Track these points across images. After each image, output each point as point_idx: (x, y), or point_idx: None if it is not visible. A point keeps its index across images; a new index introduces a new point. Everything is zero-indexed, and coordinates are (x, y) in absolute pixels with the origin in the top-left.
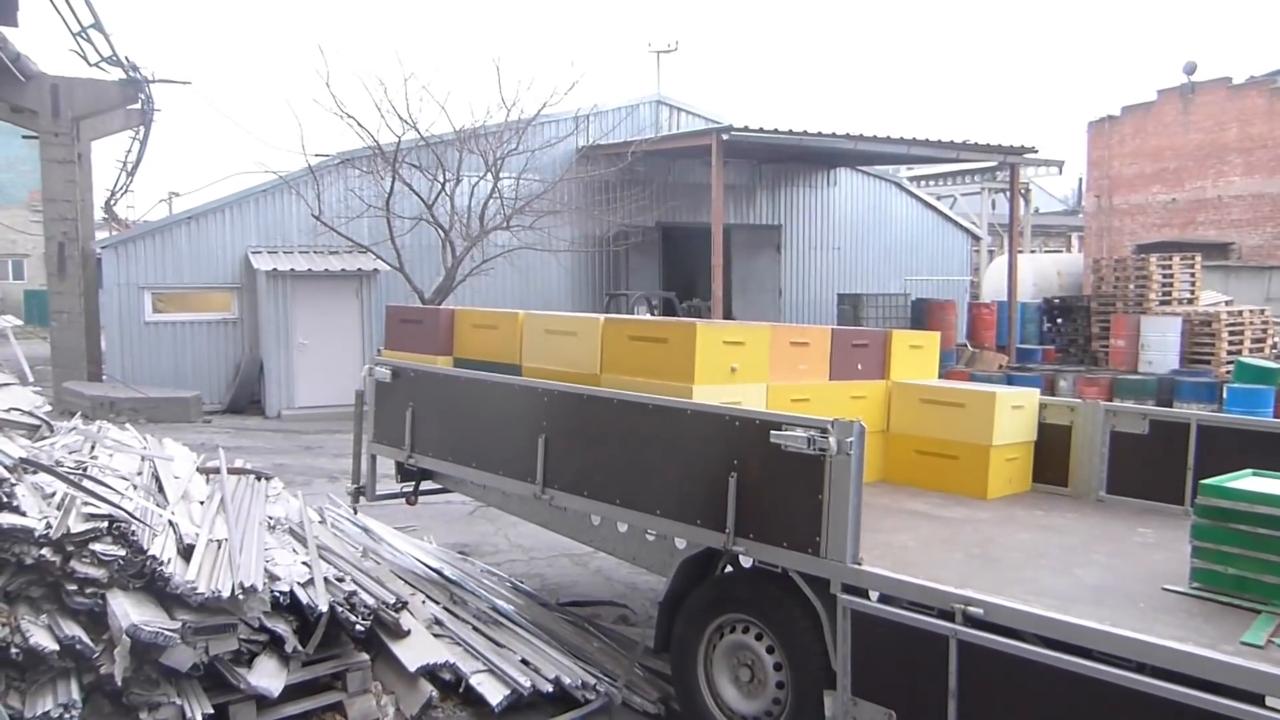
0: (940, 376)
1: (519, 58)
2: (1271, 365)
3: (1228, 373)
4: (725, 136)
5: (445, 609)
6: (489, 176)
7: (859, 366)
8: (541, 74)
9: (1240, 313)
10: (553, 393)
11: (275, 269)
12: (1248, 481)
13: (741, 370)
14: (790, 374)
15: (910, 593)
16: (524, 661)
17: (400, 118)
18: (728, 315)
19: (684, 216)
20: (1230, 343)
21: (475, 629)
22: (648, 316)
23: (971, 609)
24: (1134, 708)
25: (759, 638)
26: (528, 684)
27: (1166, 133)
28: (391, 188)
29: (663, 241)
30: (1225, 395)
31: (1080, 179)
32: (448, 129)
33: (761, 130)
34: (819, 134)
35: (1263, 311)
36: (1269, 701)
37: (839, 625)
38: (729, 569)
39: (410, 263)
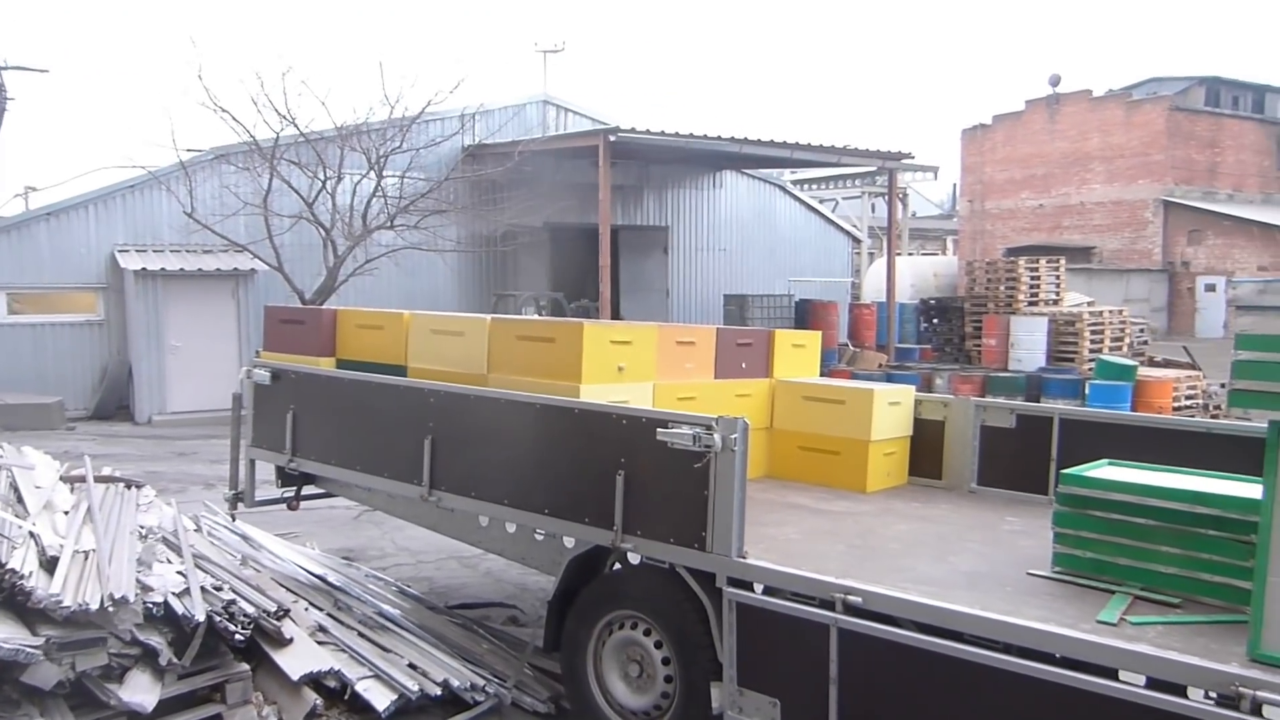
0: (823, 375)
1: (403, 55)
2: (1129, 362)
3: (1090, 369)
4: (612, 138)
5: (330, 615)
6: (372, 174)
7: (744, 365)
8: (426, 72)
9: (1101, 313)
10: (439, 393)
11: (145, 268)
12: (1104, 470)
13: (629, 369)
14: (677, 373)
15: (793, 584)
16: (411, 666)
17: (278, 112)
18: (616, 315)
19: (572, 217)
20: (1092, 341)
21: (361, 635)
22: (536, 317)
23: (851, 598)
24: (1003, 686)
25: (648, 633)
26: (415, 688)
27: (1035, 141)
28: (269, 185)
29: (551, 242)
30: (1088, 391)
31: (955, 184)
32: (329, 125)
33: (648, 132)
34: (704, 137)
35: (1121, 311)
36: (1122, 675)
37: (725, 618)
38: (617, 566)
39: (290, 262)
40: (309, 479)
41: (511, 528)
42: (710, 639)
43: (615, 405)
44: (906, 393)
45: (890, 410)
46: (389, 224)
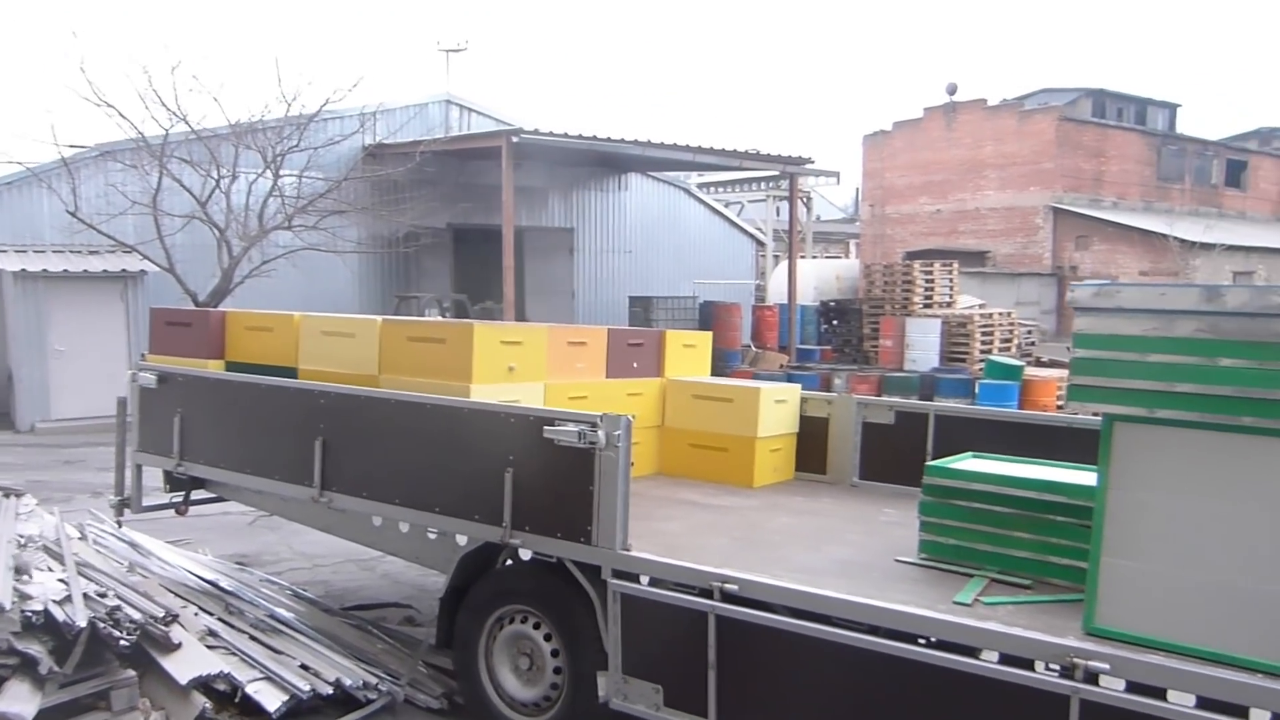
0: (725, 376)
1: (300, 52)
2: (1016, 362)
3: (980, 369)
4: (516, 139)
5: (220, 620)
6: (268, 173)
7: (635, 365)
8: (324, 69)
9: (991, 315)
10: (330, 394)
11: (24, 269)
12: (966, 462)
13: (519, 369)
14: (568, 373)
15: (674, 574)
16: (304, 667)
17: (167, 108)
18: (521, 317)
19: (476, 218)
20: (982, 342)
21: (253, 638)
22: (438, 319)
23: (728, 586)
24: (869, 665)
25: (537, 626)
26: (307, 688)
27: (933, 148)
28: (159, 183)
29: (455, 243)
30: (978, 390)
31: (857, 189)
32: (222, 122)
33: (552, 134)
34: (609, 139)
35: (1010, 314)
36: (983, 655)
37: (610, 609)
38: (508, 562)
39: (183, 264)
40: (198, 483)
41: (405, 527)
42: (597, 630)
43: (503, 404)
44: (793, 391)
45: (777, 408)
46: (287, 224)
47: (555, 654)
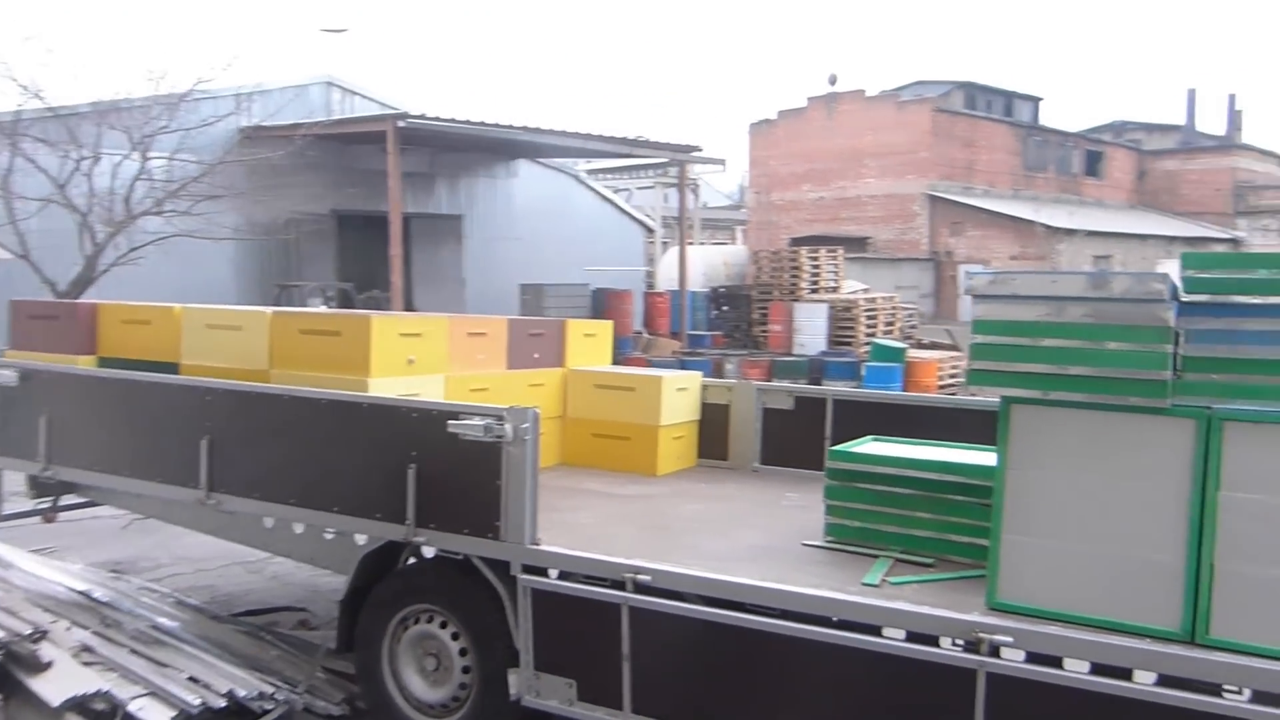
0: (619, 363)
1: (169, 29)
2: (899, 345)
3: (866, 352)
4: (401, 123)
5: (96, 634)
6: (135, 155)
7: (536, 355)
8: (196, 47)
9: (875, 299)
10: (217, 391)
11: None
12: (868, 446)
13: (419, 362)
14: (469, 364)
15: (585, 567)
16: (192, 679)
17: (19, 84)
18: (409, 306)
19: (361, 204)
20: (867, 326)
21: (134, 651)
22: (322, 309)
23: (640, 577)
24: (784, 650)
25: (443, 625)
26: (197, 702)
27: (816, 136)
28: (10, 164)
29: (338, 230)
30: (864, 372)
31: (743, 176)
32: (83, 100)
33: (439, 118)
34: (497, 125)
35: (893, 298)
36: (886, 632)
37: (520, 604)
38: (411, 561)
39: (39, 250)
40: (68, 488)
41: (299, 528)
42: (506, 627)
43: (405, 399)
44: (694, 379)
45: (678, 396)
46: (156, 209)
47: (463, 653)
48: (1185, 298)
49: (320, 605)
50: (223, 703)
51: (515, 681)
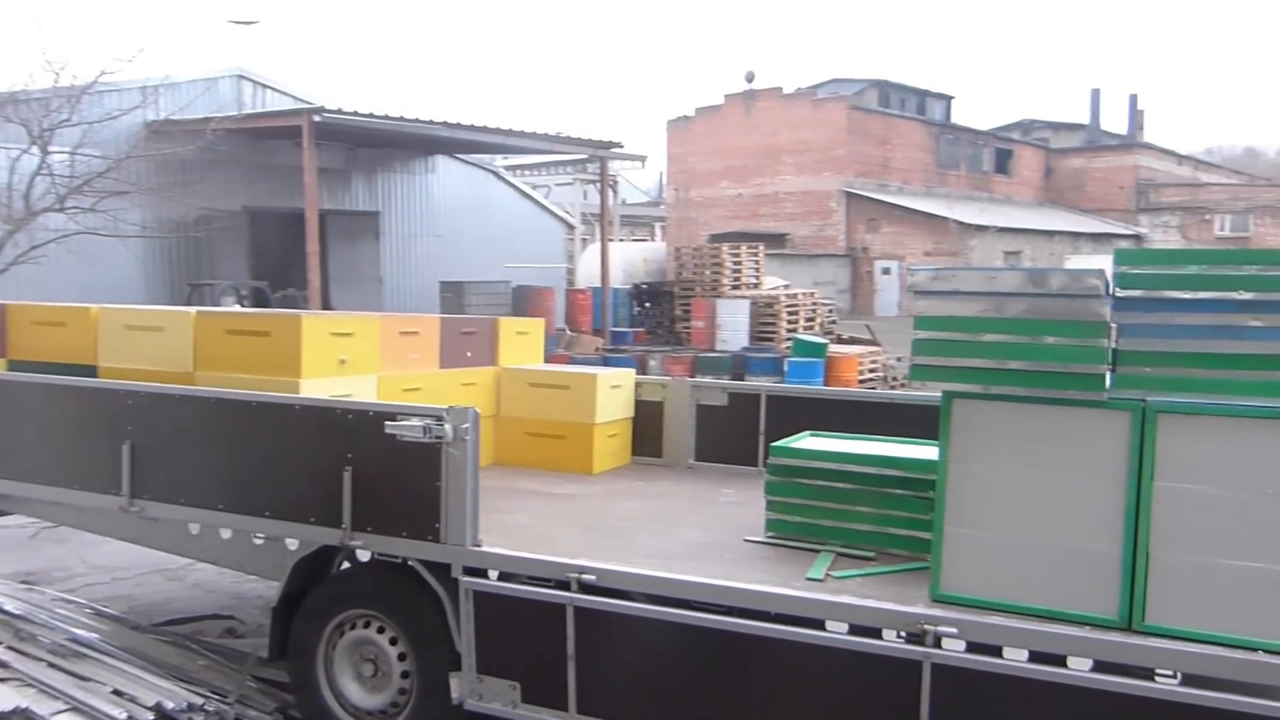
0: (543, 361)
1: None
2: (821, 340)
3: (787, 348)
4: (317, 118)
5: (10, 648)
6: (35, 150)
7: (469, 354)
8: (99, 37)
9: (796, 295)
10: (139, 394)
11: None
12: (807, 441)
13: (351, 362)
14: (401, 364)
15: (529, 568)
16: (116, 693)
17: None
18: (326, 305)
19: (274, 200)
20: (788, 321)
21: (52, 665)
22: (237, 308)
23: (585, 576)
24: (729, 647)
25: (381, 630)
26: (122, 715)
27: (733, 134)
28: None
29: (251, 227)
30: (786, 368)
31: (661, 173)
32: None
33: (356, 113)
34: (416, 120)
35: (813, 294)
36: (829, 625)
37: (462, 607)
38: (346, 565)
39: None
40: None
41: (227, 534)
42: (447, 630)
43: (339, 400)
44: (627, 376)
45: (613, 393)
46: (58, 206)
47: (402, 658)
48: (1120, 293)
49: (247, 612)
50: (150, 716)
51: (457, 685)
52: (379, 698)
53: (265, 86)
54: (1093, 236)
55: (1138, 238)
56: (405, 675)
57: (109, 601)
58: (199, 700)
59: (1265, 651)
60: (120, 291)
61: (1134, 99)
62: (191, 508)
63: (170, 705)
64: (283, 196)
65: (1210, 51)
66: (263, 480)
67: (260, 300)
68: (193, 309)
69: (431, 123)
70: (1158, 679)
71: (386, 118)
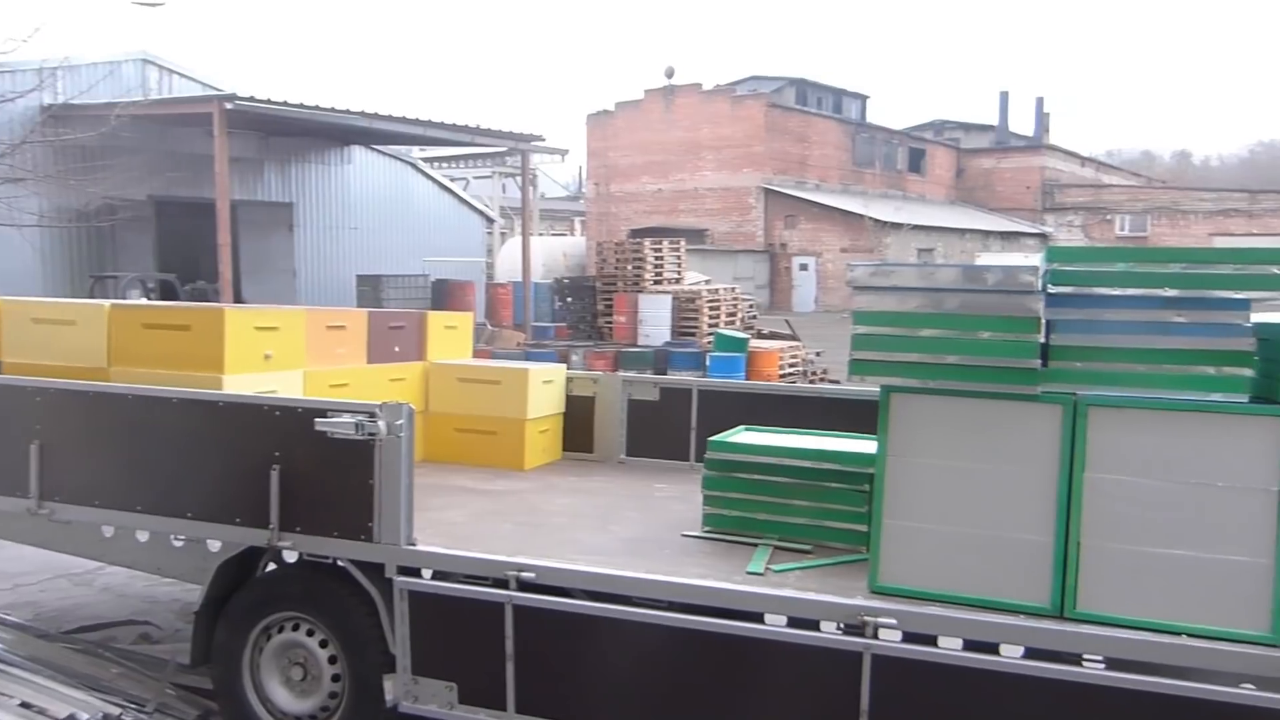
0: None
1: None
2: (742, 335)
3: (709, 342)
4: (229, 105)
5: None
6: None
7: (397, 349)
8: None
9: (717, 290)
10: (48, 391)
11: None
12: (742, 436)
13: (276, 357)
14: (328, 359)
15: (467, 566)
16: (25, 705)
17: None
18: (238, 298)
19: (182, 190)
20: (710, 316)
21: None
22: (144, 301)
23: (524, 574)
24: (670, 642)
25: (311, 633)
26: None
27: (653, 129)
28: None
29: (158, 217)
30: (708, 362)
31: (581, 167)
32: None
33: (270, 102)
34: (332, 110)
35: (734, 289)
36: (767, 619)
37: (396, 608)
38: (272, 566)
39: None
40: None
41: (144, 536)
42: (380, 631)
43: (265, 396)
44: (558, 371)
45: (544, 389)
46: None
47: (333, 660)
48: (1052, 289)
49: (162, 617)
50: None
51: (391, 687)
52: (308, 702)
53: (172, 71)
54: (1002, 235)
55: (1044, 236)
56: (336, 678)
57: (12, 609)
58: (115, 710)
59: (1188, 635)
60: (16, 283)
61: (1040, 102)
62: (106, 510)
63: (84, 716)
64: (192, 186)
65: (1110, 57)
66: (184, 480)
67: (168, 293)
68: (107, 302)
69: (349, 112)
70: (1085, 664)
71: (302, 106)
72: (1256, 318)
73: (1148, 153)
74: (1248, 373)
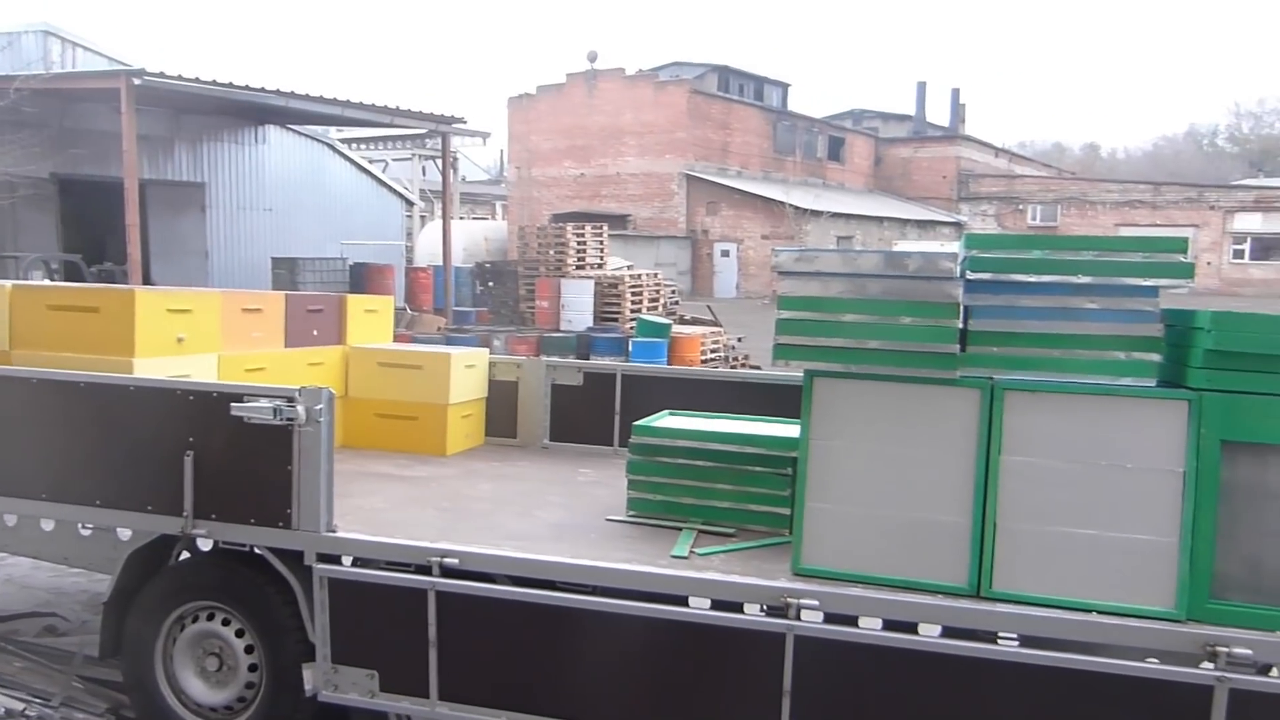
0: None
1: None
2: (664, 321)
3: (631, 328)
4: (137, 81)
5: None
6: None
7: (315, 333)
8: None
9: (640, 276)
10: None
11: None
12: (666, 420)
13: (190, 340)
14: (243, 342)
15: (389, 553)
16: None
17: None
18: (147, 280)
19: (88, 168)
20: (633, 302)
21: None
22: (48, 283)
23: (447, 560)
24: (596, 627)
25: (226, 623)
26: None
27: (576, 113)
28: None
29: (61, 196)
30: (631, 348)
31: (503, 151)
32: None
33: (180, 78)
34: (246, 88)
35: (656, 275)
36: (691, 602)
37: (316, 596)
38: (185, 555)
39: None
40: None
41: (49, 525)
42: (299, 620)
43: (179, 380)
44: (481, 356)
45: (467, 373)
46: None
47: (249, 650)
48: (970, 276)
49: (68, 608)
50: None
51: (310, 676)
52: (224, 693)
53: (75, 44)
54: (918, 223)
55: (959, 225)
56: (253, 668)
57: None
58: (18, 705)
59: (1098, 612)
60: None
61: (956, 93)
62: (8, 498)
63: None
64: (98, 164)
65: (1023, 51)
66: (93, 467)
67: (74, 275)
68: (8, 282)
69: (263, 91)
70: (1000, 642)
71: (214, 84)
72: (1164, 304)
73: (1059, 145)
74: (1156, 358)
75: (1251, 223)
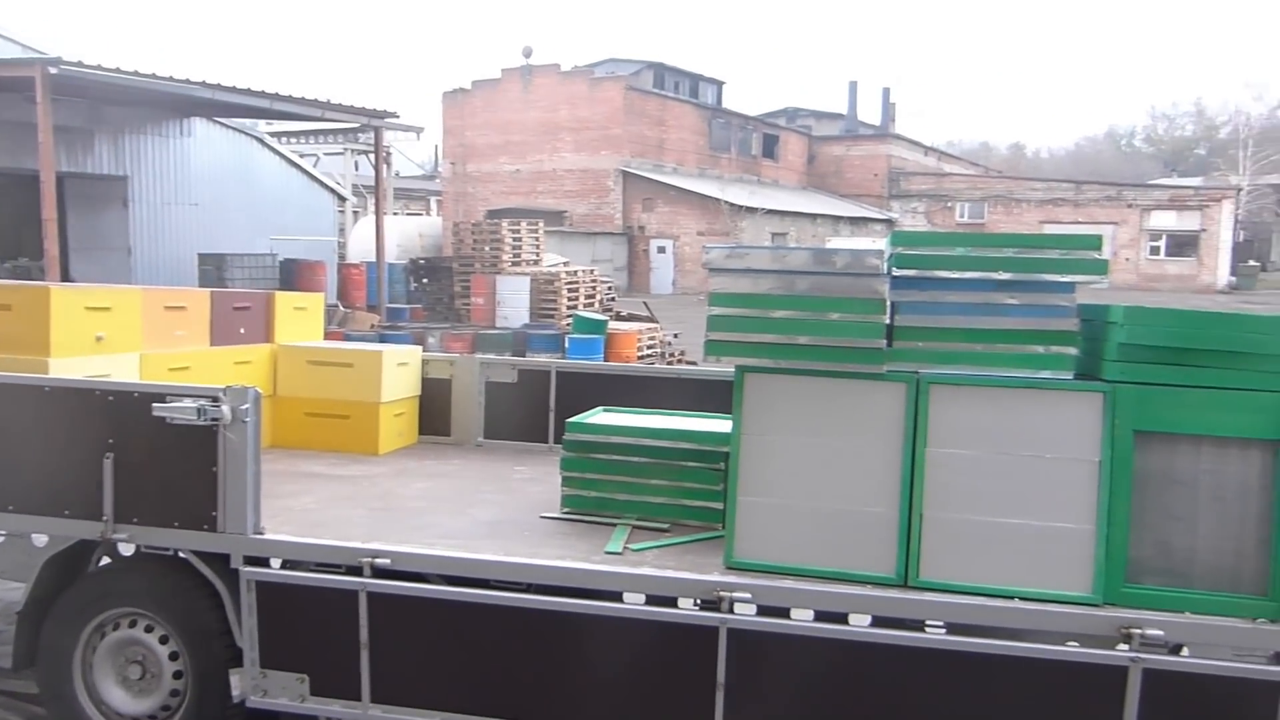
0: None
1: None
2: (601, 317)
3: (568, 324)
4: (53, 70)
5: None
6: None
7: (242, 330)
8: None
9: (576, 272)
10: None
11: None
12: (600, 417)
13: (109, 339)
14: (166, 341)
15: (319, 555)
16: None
17: None
18: (66, 277)
19: (1, 160)
20: (569, 298)
21: None
22: None
23: (379, 560)
24: (530, 625)
25: (149, 629)
26: None
27: (511, 108)
28: None
29: None
30: (567, 344)
31: (437, 146)
32: None
33: (100, 68)
34: (170, 79)
35: (592, 271)
36: (626, 598)
37: (243, 599)
38: (105, 560)
39: None
40: None
41: None
42: (226, 624)
43: (97, 380)
44: (414, 353)
45: (399, 371)
46: None
47: (174, 657)
48: (896, 272)
49: None
50: None
51: (238, 682)
52: (148, 702)
53: None
54: (851, 220)
55: (890, 222)
56: (178, 675)
57: None
58: None
59: (1020, 599)
60: None
61: (886, 92)
62: None
63: None
64: (11, 155)
65: (952, 52)
66: (5, 471)
67: None
68: None
69: (188, 82)
70: (928, 630)
71: (136, 74)
72: (1082, 300)
73: (986, 144)
74: (1072, 351)
75: (1166, 220)
